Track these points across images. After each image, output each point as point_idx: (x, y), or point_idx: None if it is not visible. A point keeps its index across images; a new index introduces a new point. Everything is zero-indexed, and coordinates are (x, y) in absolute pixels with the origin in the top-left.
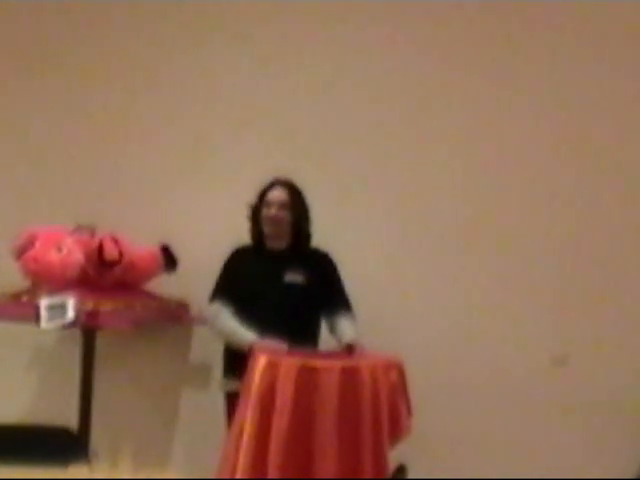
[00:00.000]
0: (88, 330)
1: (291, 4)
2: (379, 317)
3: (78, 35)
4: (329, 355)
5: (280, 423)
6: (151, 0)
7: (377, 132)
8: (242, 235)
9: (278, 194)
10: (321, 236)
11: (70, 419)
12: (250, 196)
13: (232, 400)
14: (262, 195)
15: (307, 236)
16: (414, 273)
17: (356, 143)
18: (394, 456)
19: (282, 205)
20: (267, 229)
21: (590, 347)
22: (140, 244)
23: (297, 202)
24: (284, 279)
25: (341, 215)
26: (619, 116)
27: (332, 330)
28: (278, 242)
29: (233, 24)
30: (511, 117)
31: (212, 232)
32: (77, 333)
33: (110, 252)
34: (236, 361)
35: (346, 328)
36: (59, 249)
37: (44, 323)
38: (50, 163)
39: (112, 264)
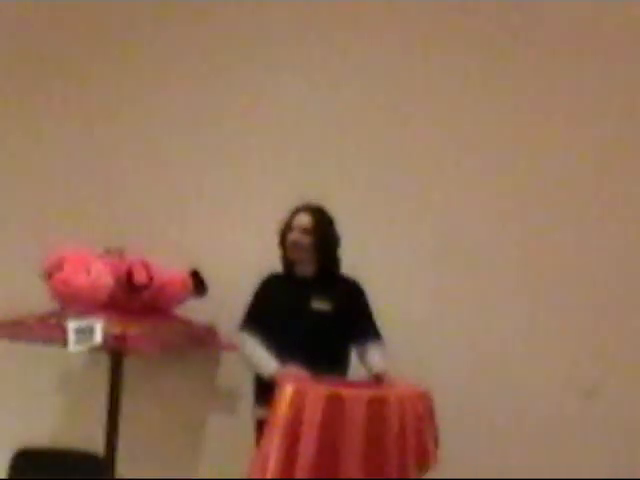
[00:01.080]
0: (116, 353)
1: (321, 30)
2: (407, 345)
3: (110, 57)
4: (357, 384)
5: (306, 452)
6: (181, 25)
7: (406, 154)
8: (272, 260)
9: (301, 219)
10: (347, 260)
11: (97, 443)
12: (278, 222)
13: (263, 428)
14: (288, 220)
15: (334, 261)
16: (444, 303)
17: (387, 165)
18: None
19: (304, 230)
20: (290, 254)
21: (621, 376)
22: (170, 268)
23: (321, 227)
24: (311, 306)
25: (369, 241)
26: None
27: (362, 359)
28: (305, 268)
29: (262, 49)
30: (545, 133)
31: (242, 257)
32: (105, 356)
33: (139, 276)
34: (267, 388)
35: (375, 358)
36: (88, 272)
37: (72, 346)
38: (80, 185)
39: (141, 288)
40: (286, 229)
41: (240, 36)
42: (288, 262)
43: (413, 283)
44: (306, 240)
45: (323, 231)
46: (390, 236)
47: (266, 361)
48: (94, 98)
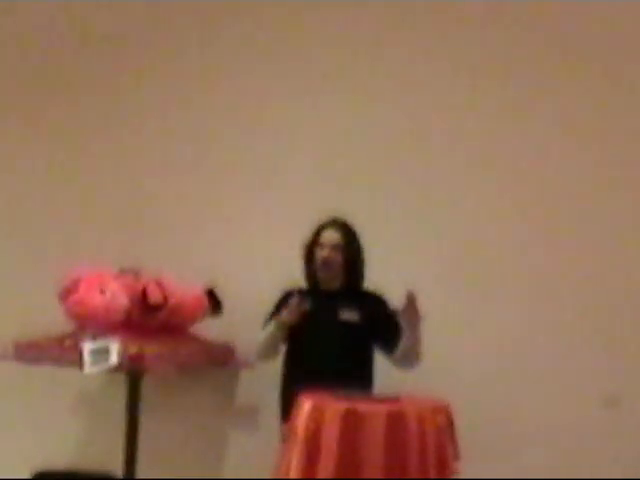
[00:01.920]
0: (133, 374)
1: (339, 45)
2: (426, 358)
3: (125, 73)
4: (375, 399)
5: (326, 468)
6: (188, 31)
7: (428, 169)
8: (289, 277)
9: (331, 235)
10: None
11: (116, 464)
12: (297, 238)
13: None
14: (316, 235)
15: (361, 276)
16: (462, 314)
17: (407, 180)
18: None
19: (335, 247)
20: (320, 271)
21: None
22: (186, 286)
23: (351, 243)
24: (339, 317)
25: (389, 254)
26: None
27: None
28: (332, 283)
29: (280, 57)
30: (565, 153)
31: (258, 275)
32: (122, 377)
33: (154, 296)
34: (292, 406)
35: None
36: (103, 292)
37: (87, 368)
38: (96, 205)
39: (156, 308)
40: (313, 245)
41: (257, 44)
42: (314, 278)
43: (430, 294)
44: (337, 257)
45: (353, 248)
46: (409, 251)
47: (269, 327)
48: (111, 112)
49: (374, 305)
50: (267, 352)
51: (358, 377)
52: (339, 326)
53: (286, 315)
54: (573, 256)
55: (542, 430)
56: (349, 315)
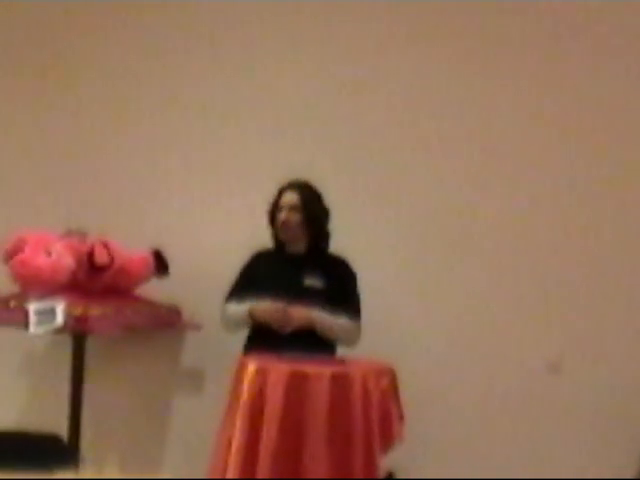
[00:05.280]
0: (78, 335)
1: (306, 4)
2: (373, 322)
3: (68, 33)
4: (320, 361)
5: (270, 430)
6: (154, 2)
7: (395, 136)
8: (237, 239)
9: (288, 197)
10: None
11: (60, 425)
12: (244, 199)
13: None
14: (276, 198)
15: (325, 236)
16: (410, 279)
17: (374, 147)
18: (384, 463)
19: (292, 208)
20: (281, 234)
21: (585, 352)
22: (132, 249)
23: (309, 203)
24: (303, 283)
25: (353, 218)
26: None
27: None
28: (296, 246)
29: (240, 26)
30: (529, 128)
31: (204, 236)
32: (67, 338)
33: (100, 256)
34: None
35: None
36: (49, 253)
37: (33, 328)
38: (41, 166)
39: (102, 269)
40: (274, 209)
41: (220, 20)
42: (279, 241)
43: (381, 259)
44: (295, 218)
45: (312, 207)
46: (372, 212)
47: (240, 308)
48: (55, 75)
49: (337, 272)
50: (236, 329)
51: (322, 344)
52: (303, 292)
53: (262, 316)
54: (523, 225)
55: (486, 395)
56: (313, 281)
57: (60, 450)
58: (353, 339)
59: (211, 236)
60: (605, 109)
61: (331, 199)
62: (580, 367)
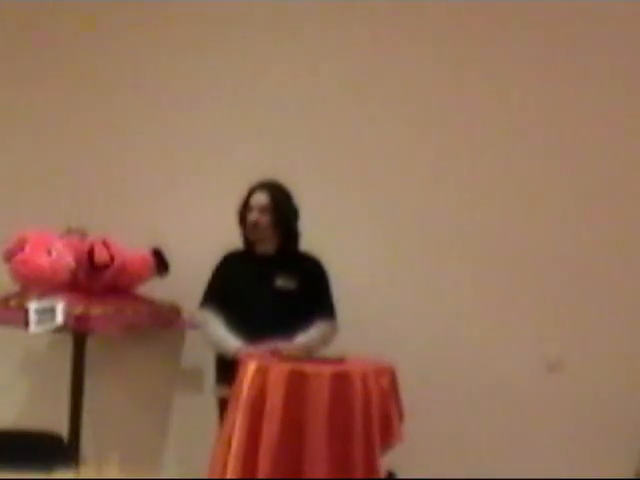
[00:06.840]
0: (78, 334)
1: (291, 5)
2: (370, 322)
3: (67, 34)
4: (321, 361)
5: (270, 429)
6: (150, 3)
7: (369, 134)
8: (234, 239)
9: (258, 198)
10: (309, 238)
11: (60, 424)
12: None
13: (225, 406)
14: (246, 199)
15: (294, 236)
16: (405, 277)
17: (348, 146)
18: (384, 462)
19: (262, 209)
20: (250, 235)
21: (584, 350)
22: (132, 248)
23: (279, 204)
24: (275, 284)
25: (330, 218)
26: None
27: None
28: (266, 246)
29: (228, 27)
30: (509, 121)
31: (204, 236)
32: (68, 337)
33: (101, 256)
34: (228, 367)
35: (301, 335)
36: (49, 253)
37: (33, 327)
38: (41, 166)
39: (103, 268)
40: (244, 209)
41: (207, 15)
42: (249, 241)
43: (373, 258)
44: (265, 219)
45: (281, 208)
46: (349, 211)
47: (228, 340)
48: (57, 78)
49: (310, 271)
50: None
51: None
52: (274, 294)
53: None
54: (517, 219)
55: (486, 394)
56: (284, 282)
57: (60, 449)
58: (331, 339)
59: (211, 236)
60: (605, 109)
61: (327, 199)
62: (579, 366)
